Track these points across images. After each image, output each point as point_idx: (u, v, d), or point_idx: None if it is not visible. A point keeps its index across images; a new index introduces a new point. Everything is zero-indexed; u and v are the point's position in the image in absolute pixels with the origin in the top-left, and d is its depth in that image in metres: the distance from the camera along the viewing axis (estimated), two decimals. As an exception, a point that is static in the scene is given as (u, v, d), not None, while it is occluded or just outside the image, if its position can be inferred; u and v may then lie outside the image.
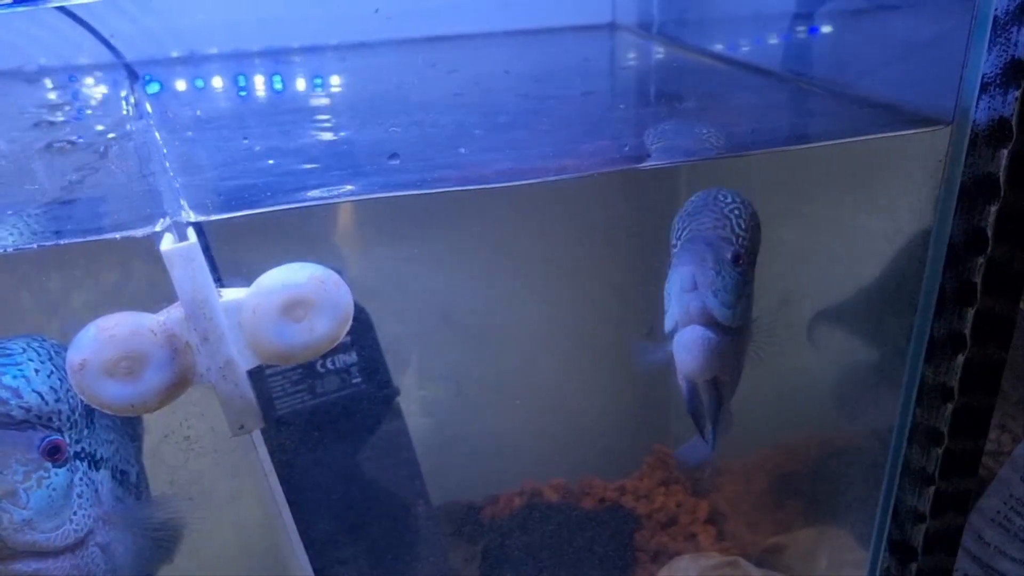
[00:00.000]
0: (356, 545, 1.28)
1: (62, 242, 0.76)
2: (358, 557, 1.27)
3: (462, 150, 1.03)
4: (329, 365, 1.34)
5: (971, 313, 1.06)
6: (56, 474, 0.82)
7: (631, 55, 1.65)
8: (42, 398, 0.83)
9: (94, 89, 1.33)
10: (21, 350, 0.86)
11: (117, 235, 0.78)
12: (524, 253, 1.57)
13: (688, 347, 1.04)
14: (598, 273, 1.63)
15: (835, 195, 1.32)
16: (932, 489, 1.16)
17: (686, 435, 1.74)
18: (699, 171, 1.39)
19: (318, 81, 1.40)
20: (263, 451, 0.90)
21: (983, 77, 0.98)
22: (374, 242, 1.48)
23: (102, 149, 1.00)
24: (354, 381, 1.36)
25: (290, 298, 0.82)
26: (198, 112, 1.19)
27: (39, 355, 0.87)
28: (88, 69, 1.35)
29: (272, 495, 0.91)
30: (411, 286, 1.51)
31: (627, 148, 1.04)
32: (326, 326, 0.84)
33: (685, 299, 1.03)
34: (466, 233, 1.50)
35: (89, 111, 1.22)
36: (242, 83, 1.32)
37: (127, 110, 1.16)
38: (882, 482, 1.26)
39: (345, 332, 0.85)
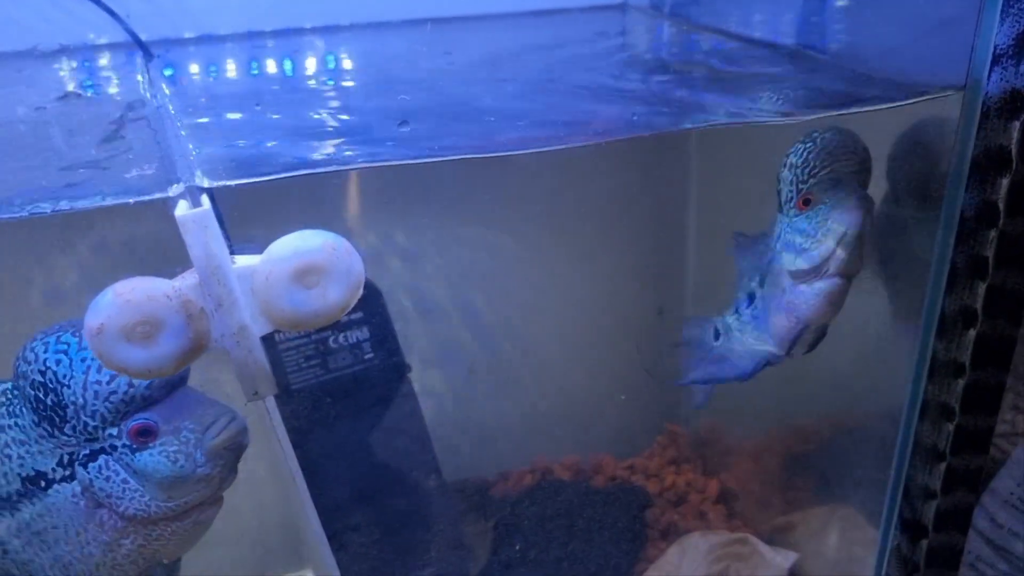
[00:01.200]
0: (367, 513, 1.30)
1: (79, 206, 0.77)
2: (369, 525, 1.29)
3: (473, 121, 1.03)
4: (342, 340, 1.36)
5: (983, 288, 1.05)
6: None
7: (642, 33, 1.65)
8: None
9: (109, 67, 1.34)
10: None
11: (131, 200, 0.79)
12: (534, 228, 1.57)
13: (832, 298, 1.05)
14: (609, 249, 1.63)
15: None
16: (943, 466, 1.15)
17: (697, 415, 1.76)
18: (709, 138, 1.39)
19: (330, 59, 1.41)
20: (276, 416, 0.91)
21: (995, 48, 0.97)
22: (381, 212, 1.48)
23: (118, 119, 1.01)
24: (366, 357, 1.37)
25: (302, 265, 0.83)
26: (210, 88, 1.20)
27: None
28: (103, 48, 1.37)
29: (286, 461, 0.92)
30: (420, 259, 1.52)
31: (635, 116, 1.04)
32: (338, 293, 0.85)
33: (853, 245, 1.02)
34: (475, 205, 1.51)
35: (106, 87, 1.24)
36: (255, 67, 1.33)
37: (143, 87, 1.17)
38: (892, 460, 1.26)
39: (357, 299, 0.86)
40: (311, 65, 1.36)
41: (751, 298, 1.20)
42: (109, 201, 0.79)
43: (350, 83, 1.29)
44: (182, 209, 0.80)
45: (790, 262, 1.08)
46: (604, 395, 1.73)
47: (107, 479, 0.89)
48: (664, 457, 1.69)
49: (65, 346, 0.87)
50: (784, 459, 1.57)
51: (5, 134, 0.97)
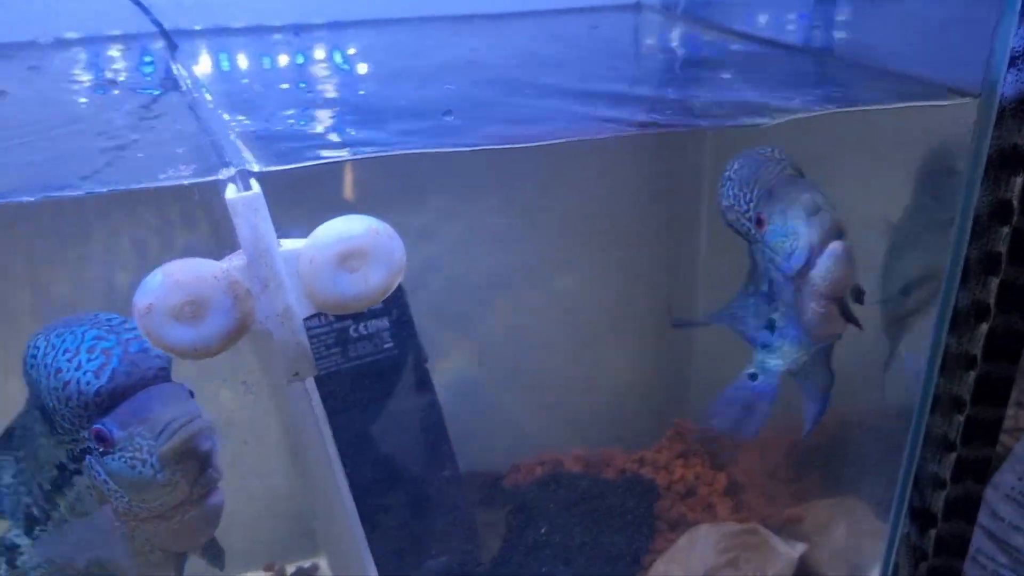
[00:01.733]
0: (387, 500, 1.32)
1: (134, 187, 0.78)
2: (390, 511, 1.31)
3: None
4: (362, 330, 1.38)
5: (995, 283, 1.08)
6: None
7: (656, 33, 1.68)
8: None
9: (137, 55, 1.36)
10: (124, 319, 0.90)
11: (186, 182, 0.81)
12: (548, 220, 1.59)
13: (841, 258, 1.09)
14: (621, 244, 1.65)
15: (858, 164, 1.34)
16: (953, 456, 1.19)
17: (704, 408, 1.78)
18: (723, 136, 1.41)
19: (352, 52, 1.43)
20: (316, 398, 0.93)
21: (1012, 51, 1.01)
22: (396, 200, 1.49)
23: (154, 105, 1.03)
24: (386, 346, 1.39)
25: (347, 249, 0.85)
26: (243, 79, 1.22)
27: None
28: (129, 38, 1.39)
29: (324, 443, 0.94)
30: (433, 248, 1.53)
31: (656, 116, 1.07)
32: (380, 277, 0.87)
33: (818, 221, 1.08)
34: (488, 196, 1.52)
35: (135, 75, 1.25)
36: (300, 58, 1.36)
37: (178, 74, 1.19)
38: (899, 452, 1.29)
39: (396, 284, 0.89)
40: (336, 57, 1.39)
41: (773, 327, 1.23)
42: (163, 182, 0.80)
43: (366, 72, 1.30)
44: (232, 192, 0.82)
45: (790, 268, 1.13)
46: (612, 390, 1.75)
47: (95, 477, 0.88)
48: (672, 451, 1.72)
49: (35, 350, 0.88)
50: (791, 452, 1.60)
51: (52, 120, 0.99)
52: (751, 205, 1.15)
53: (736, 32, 1.55)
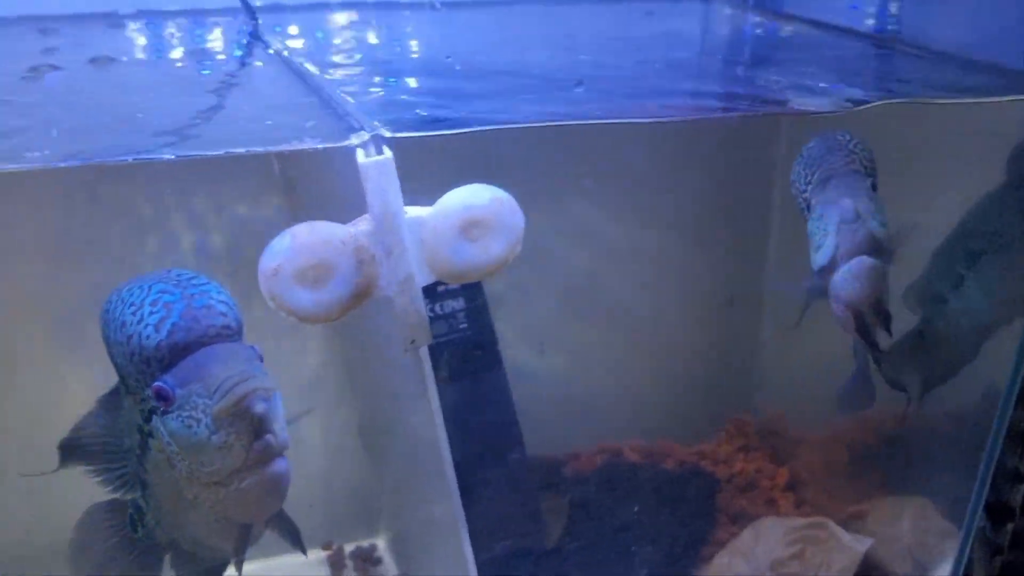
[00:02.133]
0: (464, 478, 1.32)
1: (273, 149, 0.79)
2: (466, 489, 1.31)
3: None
4: (439, 310, 1.38)
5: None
6: None
7: (730, 22, 1.68)
8: (238, 313, 0.84)
9: (223, 30, 1.37)
10: (195, 275, 0.86)
11: (319, 145, 0.81)
12: (616, 206, 1.58)
13: (858, 275, 1.08)
14: (687, 231, 1.64)
15: (938, 159, 1.34)
16: (1035, 451, 1.19)
17: (768, 405, 1.78)
18: (801, 124, 1.41)
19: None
20: (428, 367, 0.94)
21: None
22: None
23: (258, 74, 1.04)
24: (460, 327, 1.40)
25: (470, 218, 0.85)
26: (339, 52, 1.23)
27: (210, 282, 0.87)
28: (213, 12, 1.40)
29: (433, 414, 0.94)
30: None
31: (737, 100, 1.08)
32: (500, 247, 0.88)
33: (850, 230, 1.07)
34: (556, 176, 1.50)
35: (226, 47, 1.27)
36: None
37: (275, 46, 1.20)
38: (969, 449, 1.29)
39: (515, 256, 0.89)
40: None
41: None
42: (295, 145, 0.81)
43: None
44: (362, 157, 0.83)
45: (815, 262, 1.14)
46: (671, 382, 1.75)
47: (161, 438, 0.84)
48: (732, 445, 1.71)
49: (108, 305, 0.85)
50: (854, 449, 1.60)
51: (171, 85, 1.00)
52: (808, 187, 1.15)
53: (810, 20, 1.55)
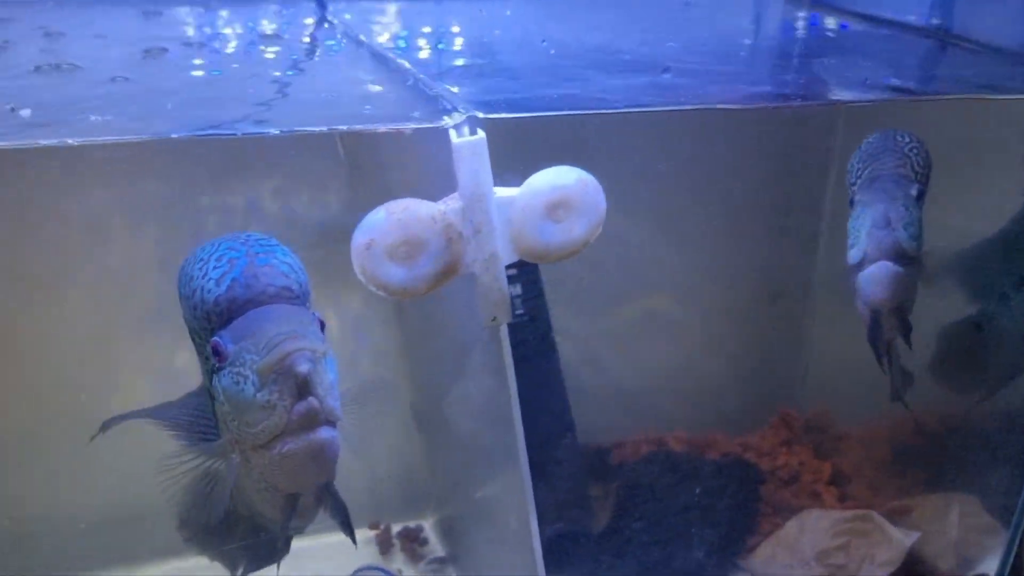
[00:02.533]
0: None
1: (366, 127, 0.82)
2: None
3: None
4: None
5: None
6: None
7: (785, 15, 1.70)
8: (304, 279, 0.85)
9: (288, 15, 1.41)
10: (266, 238, 0.86)
11: (411, 127, 0.84)
12: (668, 192, 1.59)
13: (879, 280, 1.13)
14: (743, 221, 1.65)
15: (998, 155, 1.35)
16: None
17: (815, 399, 1.79)
18: (856, 115, 1.43)
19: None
20: (506, 345, 0.96)
21: None
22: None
23: (339, 57, 1.06)
24: (517, 312, 1.42)
25: (557, 199, 0.88)
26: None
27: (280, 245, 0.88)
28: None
29: (508, 390, 0.97)
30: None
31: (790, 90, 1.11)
32: (583, 229, 0.90)
33: (878, 235, 1.12)
34: (614, 162, 1.52)
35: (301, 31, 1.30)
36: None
37: (342, 32, 1.23)
38: (1022, 448, 1.30)
39: (595, 237, 0.91)
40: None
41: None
42: (390, 126, 0.84)
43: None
44: (455, 137, 0.85)
45: (847, 258, 1.18)
46: (717, 375, 1.77)
47: (217, 397, 0.84)
48: (776, 438, 1.73)
49: (185, 263, 0.86)
50: (898, 446, 1.61)
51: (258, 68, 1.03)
52: (857, 182, 1.20)
53: (865, 15, 1.57)
